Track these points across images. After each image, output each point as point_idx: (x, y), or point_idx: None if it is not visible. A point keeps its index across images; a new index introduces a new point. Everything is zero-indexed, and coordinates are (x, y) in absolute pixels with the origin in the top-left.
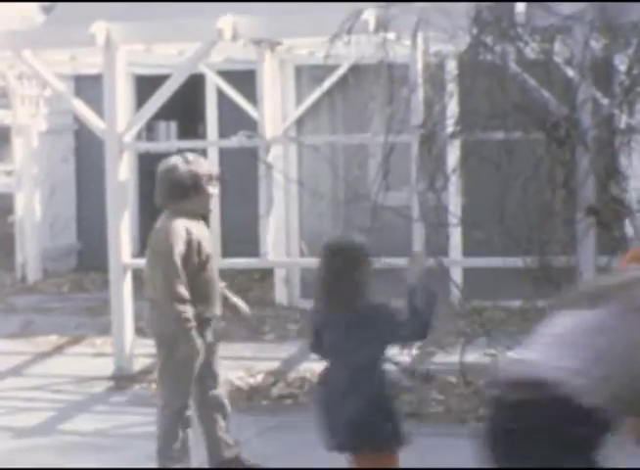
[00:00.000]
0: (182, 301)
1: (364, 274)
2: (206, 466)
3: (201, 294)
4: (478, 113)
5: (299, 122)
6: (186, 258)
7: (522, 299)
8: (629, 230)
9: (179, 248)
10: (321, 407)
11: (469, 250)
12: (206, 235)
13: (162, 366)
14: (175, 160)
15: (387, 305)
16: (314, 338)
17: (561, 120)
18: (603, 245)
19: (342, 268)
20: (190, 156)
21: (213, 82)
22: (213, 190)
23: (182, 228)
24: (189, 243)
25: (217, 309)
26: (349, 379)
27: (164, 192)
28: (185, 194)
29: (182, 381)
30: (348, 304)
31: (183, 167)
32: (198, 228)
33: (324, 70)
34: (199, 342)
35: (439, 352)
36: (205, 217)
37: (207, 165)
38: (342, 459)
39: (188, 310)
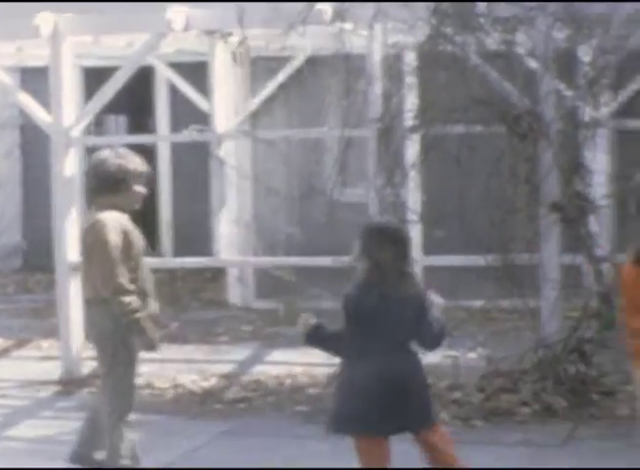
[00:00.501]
0: (126, 292)
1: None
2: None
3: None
4: (437, 106)
5: (254, 116)
6: (122, 250)
7: (483, 298)
8: (594, 226)
9: (115, 239)
10: (368, 392)
11: (429, 248)
12: (136, 231)
13: (107, 372)
14: (106, 153)
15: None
16: (348, 321)
17: (523, 114)
18: (567, 242)
19: (400, 248)
20: (122, 150)
21: (164, 75)
22: (141, 188)
23: (115, 220)
24: (124, 235)
25: (154, 306)
26: (403, 361)
27: (93, 185)
28: (113, 188)
29: (127, 383)
30: (403, 285)
31: (113, 161)
32: (128, 222)
33: (279, 62)
34: (153, 331)
35: None
36: (137, 215)
37: (138, 162)
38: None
39: (134, 301)
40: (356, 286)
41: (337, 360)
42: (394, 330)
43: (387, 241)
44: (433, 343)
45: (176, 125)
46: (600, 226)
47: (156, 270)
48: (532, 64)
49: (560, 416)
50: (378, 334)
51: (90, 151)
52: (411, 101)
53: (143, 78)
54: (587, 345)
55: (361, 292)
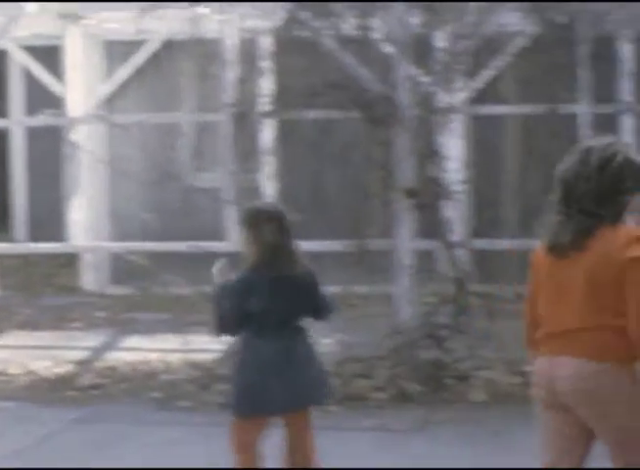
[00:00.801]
0: None
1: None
2: None
3: None
4: (293, 91)
5: (109, 100)
6: None
7: (340, 284)
8: (448, 212)
9: None
10: (265, 369)
11: None
12: None
13: None
14: None
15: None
16: (240, 301)
17: (378, 99)
18: (423, 228)
19: (286, 230)
20: None
21: (18, 58)
22: None
23: None
24: None
25: None
26: (297, 339)
27: None
28: None
29: None
30: (294, 265)
31: None
32: None
33: (134, 46)
34: None
35: None
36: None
37: None
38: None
39: None
40: (248, 269)
41: (191, 347)
42: (288, 309)
43: (270, 222)
44: (328, 314)
45: (31, 110)
46: (455, 212)
47: (8, 256)
48: (388, 49)
49: (415, 401)
50: (272, 314)
51: None
52: (266, 86)
53: None
54: (442, 330)
55: (253, 274)
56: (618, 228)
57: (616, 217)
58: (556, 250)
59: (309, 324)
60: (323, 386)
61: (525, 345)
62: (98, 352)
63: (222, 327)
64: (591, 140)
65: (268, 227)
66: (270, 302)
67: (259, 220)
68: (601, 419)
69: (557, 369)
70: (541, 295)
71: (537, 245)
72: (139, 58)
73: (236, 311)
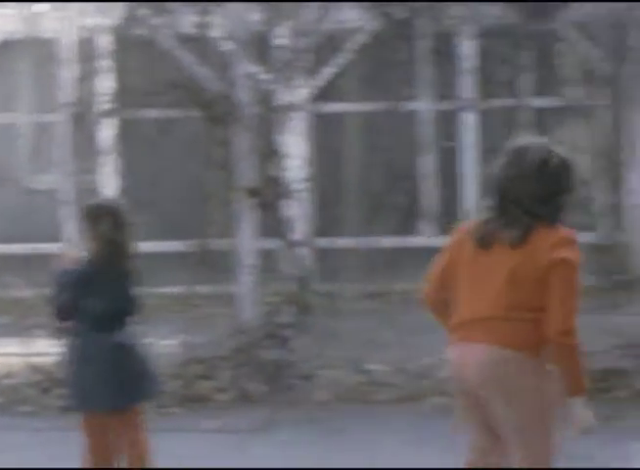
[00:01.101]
0: None
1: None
2: None
3: None
4: (133, 90)
5: None
6: None
7: (182, 284)
8: (290, 211)
9: None
10: (92, 366)
11: None
12: None
13: None
14: None
15: None
16: (75, 295)
17: (217, 97)
18: (265, 227)
19: (123, 225)
20: None
21: None
22: None
23: None
24: None
25: None
26: (125, 336)
27: None
28: None
29: None
30: (127, 261)
31: None
32: None
33: None
34: None
35: None
36: None
37: None
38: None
39: None
40: (85, 263)
41: (31, 350)
42: (117, 305)
43: (108, 217)
44: (137, 310)
45: None
46: (297, 211)
47: None
48: (227, 47)
49: (258, 402)
50: (103, 309)
51: None
52: (106, 85)
53: None
54: (285, 329)
55: (90, 269)
56: (554, 229)
57: (554, 218)
58: (484, 242)
59: (146, 323)
60: (151, 383)
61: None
62: None
63: (59, 316)
64: (520, 139)
65: (106, 222)
66: (101, 297)
67: (98, 215)
68: (505, 406)
69: (467, 356)
70: (458, 281)
71: (459, 229)
72: None
73: (71, 304)
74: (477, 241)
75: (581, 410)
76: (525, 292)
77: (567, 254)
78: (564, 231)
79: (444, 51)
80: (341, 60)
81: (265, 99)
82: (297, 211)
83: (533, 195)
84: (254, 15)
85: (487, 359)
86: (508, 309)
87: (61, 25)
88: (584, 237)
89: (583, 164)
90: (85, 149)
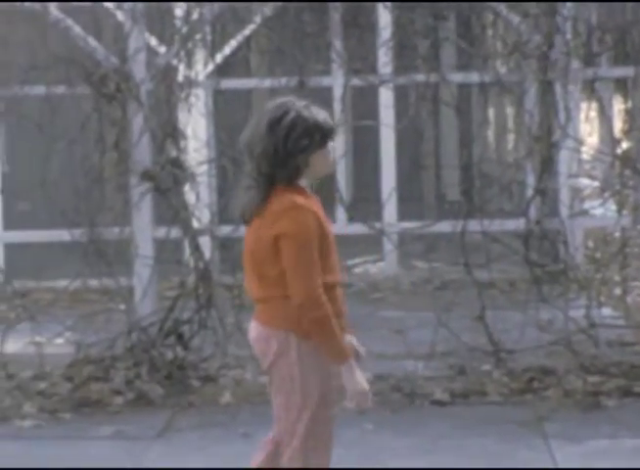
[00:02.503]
0: None
1: None
2: None
3: None
4: (14, 65)
5: None
6: None
7: (71, 277)
8: (190, 196)
9: None
10: None
11: (10, 223)
12: None
13: None
14: None
15: None
16: None
17: (110, 73)
18: (161, 214)
19: None
20: None
21: None
22: None
23: None
24: None
25: None
26: None
27: None
28: None
29: None
30: None
31: None
32: None
33: None
34: None
35: None
36: None
37: None
38: None
39: None
40: None
41: None
42: None
43: None
44: None
45: None
46: (196, 196)
47: None
48: (120, 17)
49: (156, 405)
50: None
51: None
52: None
53: None
54: (185, 326)
55: None
56: (283, 196)
57: (290, 179)
58: (244, 216)
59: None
60: None
61: None
62: None
63: None
64: (272, 101)
65: None
66: None
67: None
68: (270, 384)
69: (249, 334)
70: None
71: None
72: None
73: None
74: (240, 217)
75: (349, 377)
76: (266, 267)
77: (282, 227)
78: (287, 199)
79: (358, 23)
80: (245, 32)
81: (163, 75)
82: (197, 197)
83: (266, 154)
84: None
85: (256, 337)
86: (261, 287)
87: None
88: (512, 224)
89: (511, 145)
90: None
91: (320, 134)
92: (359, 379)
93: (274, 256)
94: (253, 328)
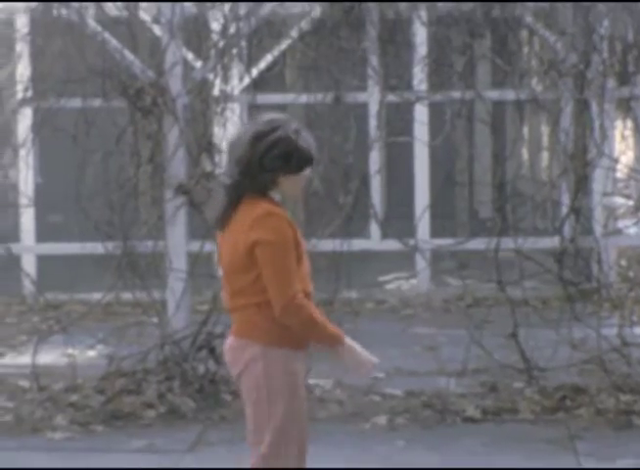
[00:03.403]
0: None
1: None
2: None
3: None
4: (51, 77)
5: None
6: None
7: (104, 290)
8: None
9: None
10: None
11: (43, 235)
12: None
13: None
14: None
15: None
16: None
17: (146, 86)
18: (195, 228)
19: None
20: None
21: None
22: None
23: None
24: None
25: None
26: None
27: None
28: None
29: None
30: None
31: None
32: None
33: None
34: None
35: (9, 353)
36: None
37: None
38: None
39: None
40: None
41: None
42: None
43: None
44: None
45: None
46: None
47: None
48: (157, 31)
49: (188, 419)
50: None
51: None
52: (21, 71)
53: None
54: (217, 340)
55: None
56: (256, 204)
57: (257, 191)
58: (218, 223)
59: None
60: None
61: None
62: None
63: None
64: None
65: None
66: None
67: None
68: (241, 393)
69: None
70: None
71: None
72: None
73: None
74: (214, 224)
75: (350, 355)
76: (240, 275)
77: (259, 234)
78: (261, 207)
79: (394, 39)
80: (281, 46)
81: (199, 89)
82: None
83: (240, 162)
84: None
85: (226, 348)
86: (233, 297)
87: None
88: (546, 242)
89: (545, 163)
90: (1, 141)
91: (297, 160)
92: (360, 352)
93: (249, 263)
94: (228, 339)
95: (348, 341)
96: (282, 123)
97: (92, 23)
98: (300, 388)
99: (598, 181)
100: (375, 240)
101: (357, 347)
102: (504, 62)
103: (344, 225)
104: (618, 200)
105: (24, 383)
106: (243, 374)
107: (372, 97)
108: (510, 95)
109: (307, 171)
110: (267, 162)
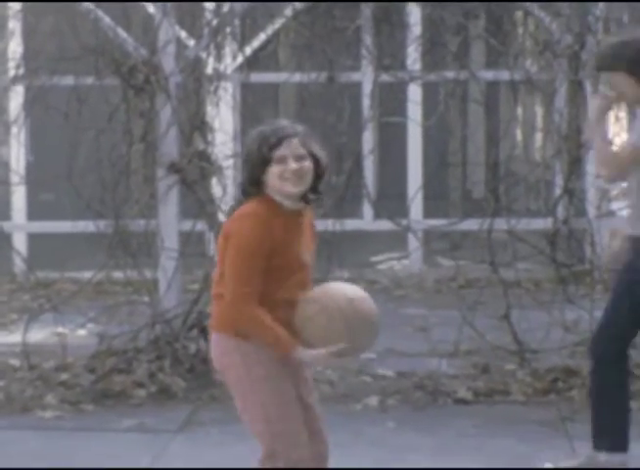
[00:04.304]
0: None
1: None
2: None
3: None
4: (43, 54)
5: None
6: None
7: (95, 269)
8: (217, 190)
9: None
10: None
11: (34, 213)
12: None
13: None
14: None
15: None
16: None
17: (139, 64)
18: (187, 207)
19: None
20: None
21: None
22: None
23: None
24: None
25: None
26: None
27: None
28: None
29: None
30: None
31: None
32: None
33: None
34: None
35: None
36: None
37: None
38: None
39: None
40: None
41: None
42: None
43: None
44: None
45: None
46: (223, 189)
47: None
48: (151, 9)
49: (179, 398)
50: None
51: None
52: (13, 49)
53: None
54: (208, 319)
55: None
56: (251, 202)
57: (251, 191)
58: None
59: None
60: None
61: None
62: None
63: None
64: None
65: None
66: None
67: None
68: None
69: None
70: None
71: None
72: None
73: None
74: None
75: (307, 358)
76: (220, 264)
77: (230, 229)
78: (246, 206)
79: (389, 19)
80: (275, 26)
81: (192, 67)
82: (224, 191)
83: (244, 168)
84: None
85: (211, 343)
86: (214, 285)
87: None
88: (539, 224)
89: (539, 144)
90: None
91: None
92: (314, 354)
93: (223, 255)
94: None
95: (300, 349)
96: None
97: (85, 1)
98: (283, 373)
99: (592, 163)
100: (367, 220)
101: (311, 352)
102: (498, 42)
103: (337, 205)
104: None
105: (15, 361)
106: (224, 369)
107: (365, 76)
108: (504, 75)
109: (275, 168)
110: (250, 158)
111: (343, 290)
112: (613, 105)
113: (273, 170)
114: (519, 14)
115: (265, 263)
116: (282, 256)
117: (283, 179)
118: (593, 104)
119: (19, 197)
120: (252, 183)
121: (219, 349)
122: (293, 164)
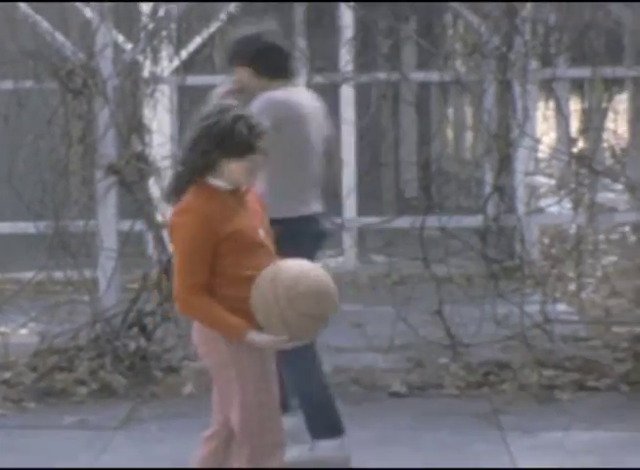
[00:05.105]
0: None
1: None
2: None
3: None
4: None
5: None
6: None
7: (35, 269)
8: (154, 190)
9: None
10: None
11: None
12: None
13: None
14: None
15: None
16: None
17: (77, 68)
18: (125, 207)
19: None
20: None
21: None
22: None
23: None
24: None
25: None
26: None
27: None
28: None
29: None
30: None
31: None
32: None
33: None
34: None
35: None
36: None
37: None
38: None
39: None
40: None
41: None
42: None
43: None
44: None
45: None
46: (160, 190)
47: None
48: (88, 13)
49: (119, 395)
50: None
51: None
52: None
53: None
54: (148, 318)
55: None
56: (189, 193)
57: (198, 175)
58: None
59: None
60: None
61: None
62: None
63: None
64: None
65: None
66: None
67: None
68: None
69: None
70: None
71: None
72: None
73: None
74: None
75: (260, 343)
76: None
77: (173, 221)
78: (183, 200)
79: (321, 22)
80: (210, 29)
81: (129, 70)
82: (162, 191)
83: (186, 146)
84: None
85: (193, 327)
86: None
87: None
88: (470, 221)
89: (469, 143)
90: None
91: (233, 145)
92: (266, 340)
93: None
94: None
95: (252, 334)
96: (228, 109)
97: (23, 5)
98: (268, 362)
99: (521, 161)
100: None
101: (261, 337)
102: (429, 44)
103: None
104: (541, 179)
105: None
106: (208, 354)
107: (299, 78)
108: (434, 76)
109: (254, 158)
110: (201, 144)
111: (275, 271)
112: (234, 94)
113: (244, 163)
114: (449, 16)
115: (211, 253)
116: (234, 237)
117: (249, 173)
118: (217, 93)
119: None
120: (204, 167)
121: (203, 336)
122: (262, 161)
